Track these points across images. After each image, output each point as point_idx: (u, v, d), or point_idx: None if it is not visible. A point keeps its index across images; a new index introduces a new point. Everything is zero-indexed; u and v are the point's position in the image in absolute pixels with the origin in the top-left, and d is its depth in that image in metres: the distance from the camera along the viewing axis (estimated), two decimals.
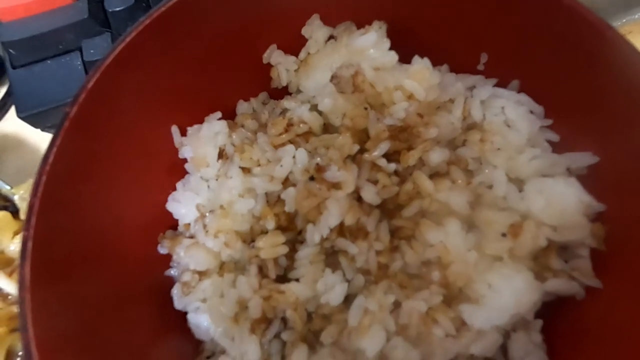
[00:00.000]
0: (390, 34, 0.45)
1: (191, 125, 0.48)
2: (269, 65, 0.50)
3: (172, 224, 0.48)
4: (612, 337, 0.36)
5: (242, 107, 0.51)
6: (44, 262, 0.33)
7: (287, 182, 0.42)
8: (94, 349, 0.37)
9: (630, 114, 0.36)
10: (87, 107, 0.36)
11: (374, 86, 0.41)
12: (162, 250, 0.46)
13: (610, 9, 0.67)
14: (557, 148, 0.42)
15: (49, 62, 0.60)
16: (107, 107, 0.39)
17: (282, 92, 0.51)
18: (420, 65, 0.42)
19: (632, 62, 0.35)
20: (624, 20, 0.67)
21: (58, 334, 0.33)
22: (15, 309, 0.48)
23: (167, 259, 0.47)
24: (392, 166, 0.40)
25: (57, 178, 0.34)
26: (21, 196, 0.52)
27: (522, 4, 0.40)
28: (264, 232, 0.42)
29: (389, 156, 0.41)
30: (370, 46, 0.42)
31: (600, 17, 0.36)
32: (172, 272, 0.46)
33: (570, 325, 0.39)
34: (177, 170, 0.48)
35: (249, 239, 0.43)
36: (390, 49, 0.44)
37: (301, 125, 0.43)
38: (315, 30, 0.47)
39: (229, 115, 0.50)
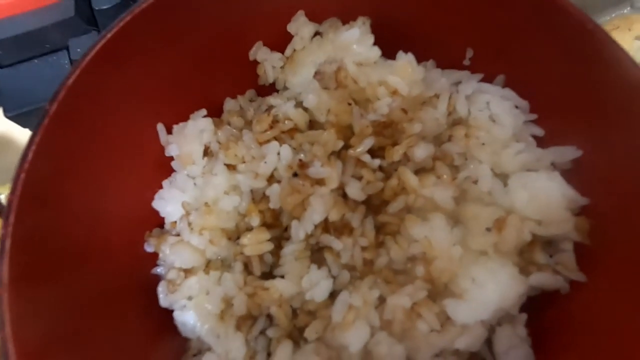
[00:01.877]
0: (375, 30, 0.45)
1: (177, 122, 0.47)
2: (256, 62, 0.50)
3: (159, 222, 0.48)
4: (596, 330, 0.36)
5: (229, 104, 0.50)
6: (24, 260, 0.33)
7: (271, 179, 0.41)
8: (79, 348, 0.36)
9: (614, 108, 0.36)
10: (68, 104, 0.36)
11: (357, 82, 0.41)
12: (149, 248, 0.46)
13: (600, 4, 0.67)
14: (541, 142, 0.42)
15: (36, 61, 0.60)
16: (90, 104, 0.39)
17: (270, 89, 0.51)
18: (404, 60, 0.42)
19: (614, 57, 0.35)
20: (613, 15, 0.67)
21: (39, 333, 0.33)
22: None
23: (155, 257, 0.47)
24: (377, 162, 0.40)
25: (37, 176, 0.34)
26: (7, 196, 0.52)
27: None
28: (249, 229, 0.42)
29: (373, 152, 0.41)
30: (353, 42, 0.42)
31: (583, 11, 0.36)
32: (159, 270, 0.46)
33: (555, 319, 0.39)
34: (163, 168, 0.48)
35: (235, 236, 0.43)
36: (375, 44, 0.44)
37: (286, 121, 0.43)
38: (300, 26, 0.47)
39: (216, 113, 0.50)
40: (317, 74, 0.41)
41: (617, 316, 0.35)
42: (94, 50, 0.37)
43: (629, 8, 0.68)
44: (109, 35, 0.38)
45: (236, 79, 0.50)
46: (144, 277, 0.46)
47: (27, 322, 0.32)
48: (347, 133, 0.42)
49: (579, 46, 0.37)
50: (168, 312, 0.43)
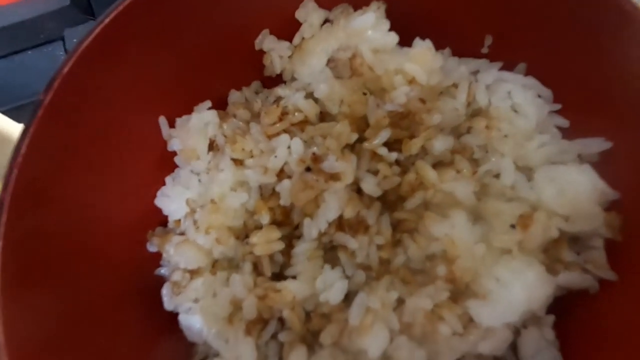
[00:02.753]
0: (389, 15, 0.43)
1: (180, 115, 0.45)
2: (262, 52, 0.47)
3: (162, 220, 0.46)
4: (627, 332, 0.34)
5: (234, 96, 0.48)
6: (18, 262, 0.31)
7: (282, 174, 0.39)
8: (78, 352, 0.35)
9: None
10: (64, 95, 0.34)
11: (373, 69, 0.38)
12: (152, 248, 0.44)
13: None
14: (567, 134, 0.40)
15: (29, 52, 0.58)
16: (87, 95, 0.37)
17: (277, 81, 0.49)
18: (422, 47, 0.40)
19: None
20: None
21: (35, 339, 0.31)
22: None
23: (158, 258, 0.45)
24: (394, 155, 0.38)
25: (31, 172, 0.32)
26: None
27: None
28: (258, 227, 0.40)
29: (389, 145, 0.38)
30: (368, 27, 0.40)
31: None
32: (163, 271, 0.44)
33: (583, 321, 0.37)
34: (166, 163, 0.46)
35: (243, 234, 0.41)
36: (390, 30, 0.41)
37: (296, 113, 0.41)
38: (309, 13, 0.44)
39: (220, 105, 0.47)
40: (331, 62, 0.39)
41: None
42: (90, 37, 0.34)
43: None
44: (106, 21, 0.35)
45: (241, 70, 0.48)
46: (146, 278, 0.44)
47: (22, 327, 0.30)
48: (361, 125, 0.40)
49: (612, 29, 0.34)
50: (173, 316, 0.41)
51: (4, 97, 0.56)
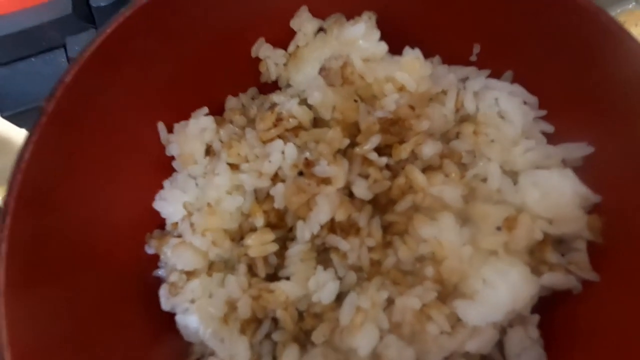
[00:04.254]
0: (380, 25, 0.44)
1: (178, 121, 0.47)
2: (258, 59, 0.49)
3: (160, 223, 0.47)
4: (609, 331, 0.36)
5: (231, 102, 0.49)
6: (21, 265, 0.32)
7: (276, 178, 0.40)
8: (77, 353, 0.36)
9: (626, 102, 0.36)
10: (66, 103, 0.35)
11: (363, 78, 0.40)
12: (150, 250, 0.45)
13: (605, 0, 0.66)
14: (551, 139, 0.41)
15: (32, 59, 0.59)
16: (89, 103, 0.38)
17: (273, 87, 0.50)
18: (411, 56, 0.41)
19: (627, 49, 0.34)
20: (618, 11, 0.66)
21: (37, 339, 0.32)
22: None
23: (156, 259, 0.46)
24: (384, 160, 0.39)
25: (34, 176, 0.33)
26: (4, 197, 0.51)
27: None
28: (253, 229, 0.41)
29: (380, 150, 0.40)
30: (359, 37, 0.41)
31: (594, 3, 0.35)
32: (160, 272, 0.45)
33: (567, 320, 0.38)
34: (164, 167, 0.47)
35: (238, 237, 0.42)
36: (381, 39, 0.43)
37: (290, 119, 0.42)
38: (304, 22, 0.46)
39: (218, 111, 0.49)
40: (323, 70, 0.40)
41: (631, 315, 0.34)
42: (92, 47, 0.36)
43: (633, 3, 0.67)
44: (108, 31, 0.36)
45: (238, 77, 0.49)
46: (145, 279, 0.45)
47: (25, 328, 0.31)
48: (352, 131, 0.41)
49: (591, 39, 0.36)
50: (170, 315, 0.43)
51: (7, 103, 0.58)
